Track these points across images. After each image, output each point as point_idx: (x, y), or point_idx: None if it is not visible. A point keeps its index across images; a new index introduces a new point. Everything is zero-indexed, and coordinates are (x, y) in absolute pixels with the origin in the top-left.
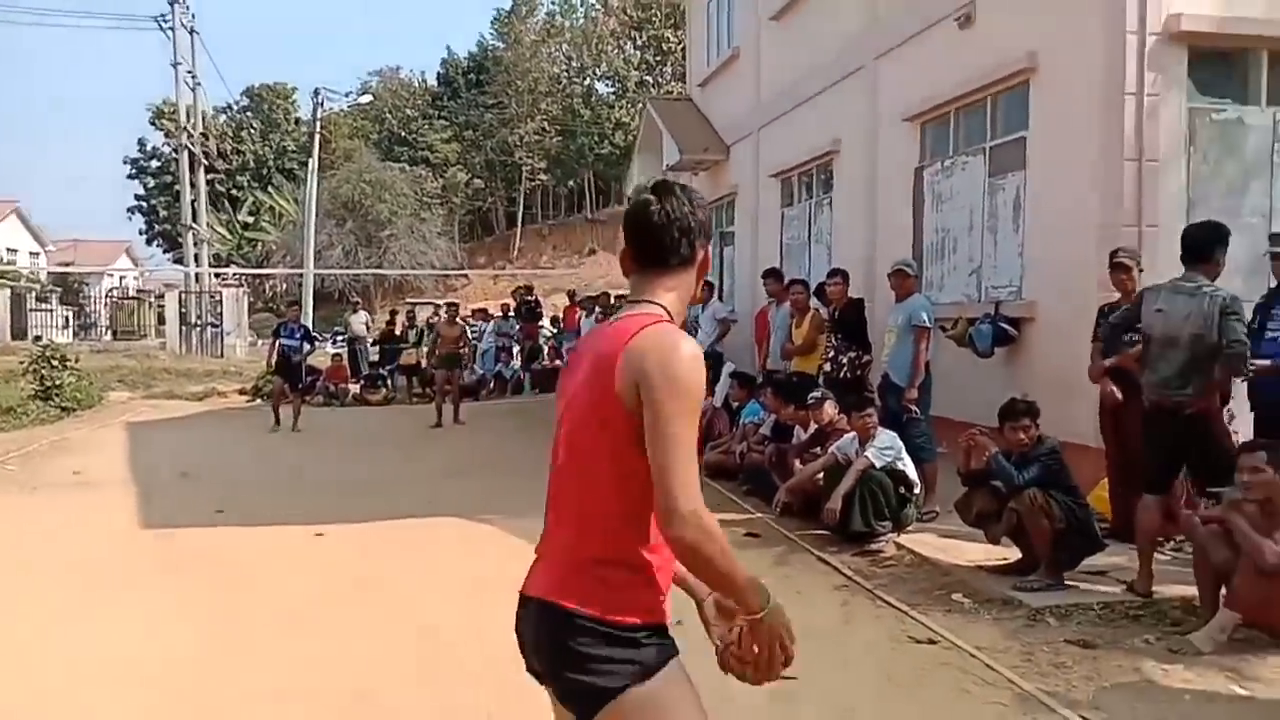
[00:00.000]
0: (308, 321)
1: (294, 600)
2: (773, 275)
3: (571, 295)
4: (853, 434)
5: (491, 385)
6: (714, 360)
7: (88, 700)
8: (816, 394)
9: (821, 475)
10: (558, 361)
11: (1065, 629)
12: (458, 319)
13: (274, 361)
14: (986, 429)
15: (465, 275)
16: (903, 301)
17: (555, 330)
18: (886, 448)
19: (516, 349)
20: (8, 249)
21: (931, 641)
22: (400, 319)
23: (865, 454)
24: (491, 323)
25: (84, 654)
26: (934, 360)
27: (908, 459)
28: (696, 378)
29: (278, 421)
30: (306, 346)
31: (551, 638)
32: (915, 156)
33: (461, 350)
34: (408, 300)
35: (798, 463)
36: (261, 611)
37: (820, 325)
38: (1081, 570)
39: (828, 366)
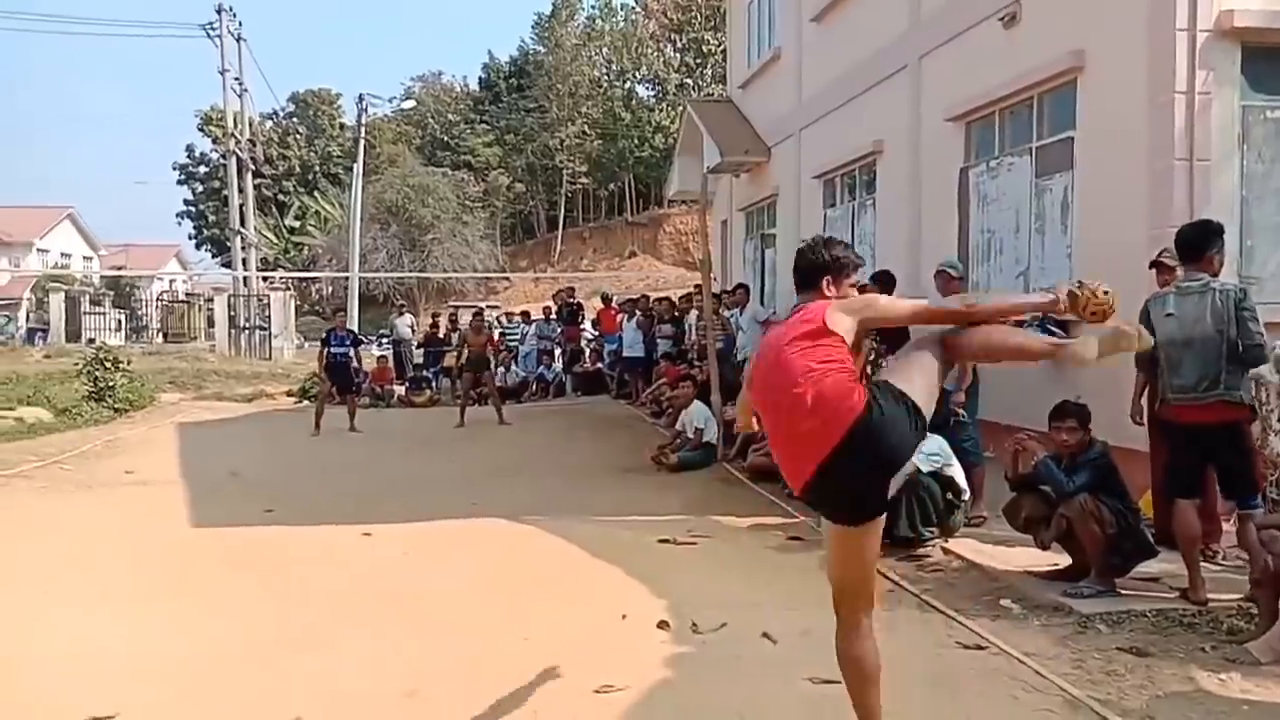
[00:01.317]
0: (354, 324)
1: (342, 599)
2: None
3: (605, 298)
4: None
5: (534, 387)
6: None
7: (139, 694)
8: None
9: None
10: (599, 364)
11: (1117, 636)
12: (484, 327)
13: (324, 367)
14: (1035, 433)
15: (507, 278)
16: None
17: (596, 333)
18: (934, 453)
19: (558, 351)
20: (62, 254)
21: (979, 647)
22: (443, 322)
23: (913, 458)
24: (533, 325)
25: (137, 649)
26: (981, 364)
27: (956, 464)
28: None
29: (318, 427)
30: (353, 352)
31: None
32: (960, 156)
33: (488, 354)
34: (451, 303)
35: None
36: (310, 610)
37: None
38: (1133, 577)
39: (870, 370)
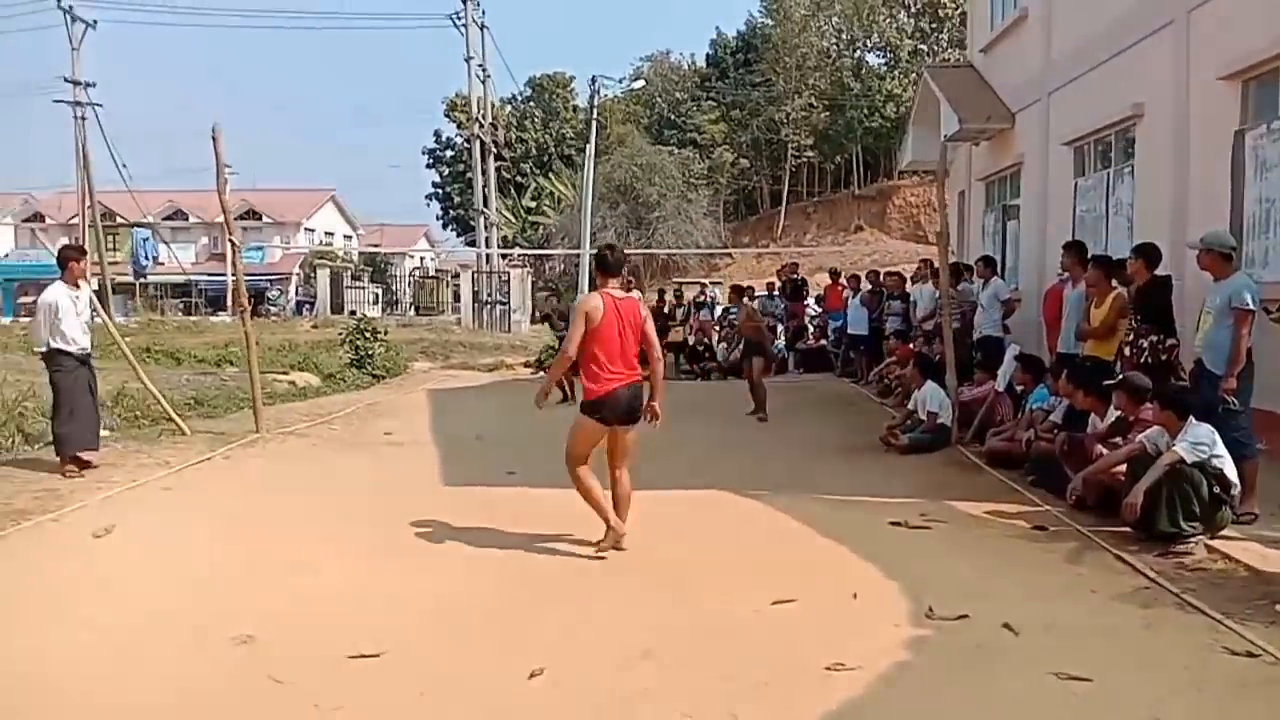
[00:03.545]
0: None
1: (579, 559)
2: (1073, 250)
3: (834, 273)
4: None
5: None
6: (995, 343)
7: (400, 636)
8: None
9: (1124, 467)
10: (823, 341)
11: None
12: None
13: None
14: None
15: (729, 254)
16: (1222, 281)
17: (820, 309)
18: (1200, 442)
19: (780, 328)
20: (326, 232)
21: (1251, 655)
22: (668, 297)
23: (1176, 447)
24: (756, 301)
25: (396, 595)
26: (1256, 346)
27: (1226, 455)
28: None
29: (567, 395)
30: None
31: (641, 395)
32: (1235, 118)
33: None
34: (674, 279)
35: (1099, 448)
36: (549, 566)
37: (1123, 308)
38: None
39: (1127, 351)
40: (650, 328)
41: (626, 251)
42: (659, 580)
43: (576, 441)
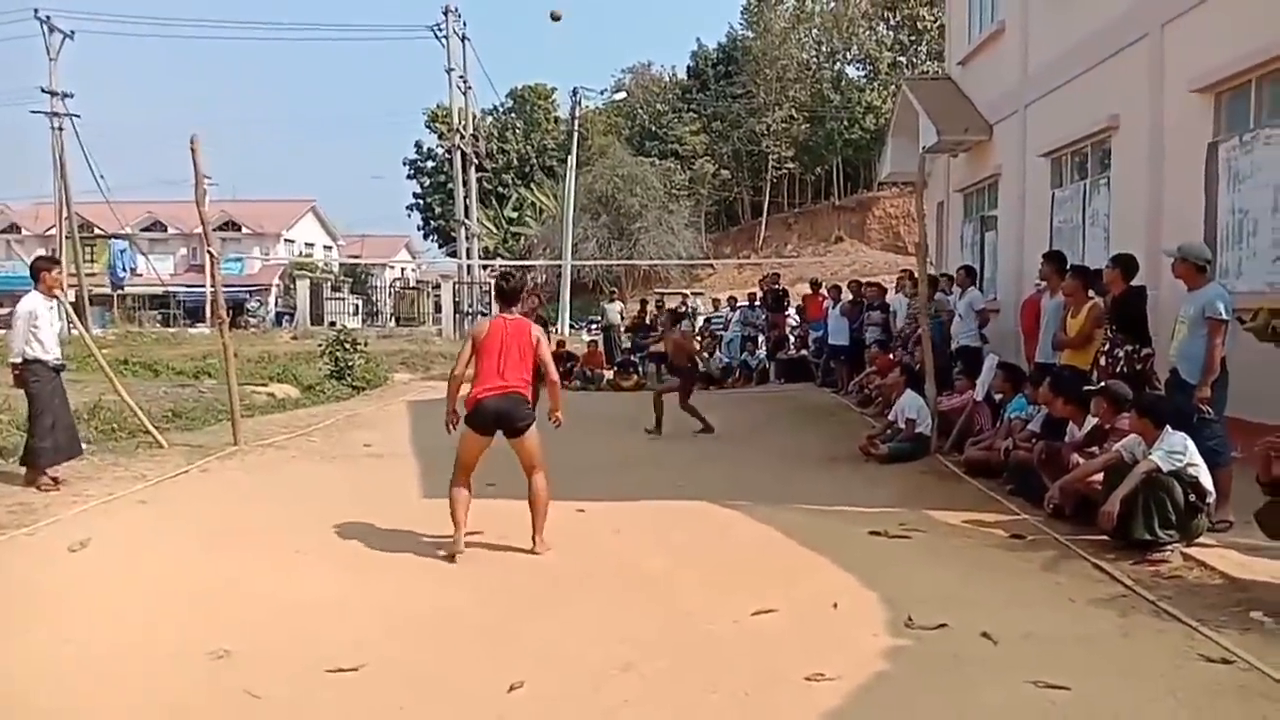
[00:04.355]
0: (565, 311)
1: (560, 571)
2: (1052, 260)
3: (814, 284)
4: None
5: (737, 374)
6: (973, 354)
7: (380, 650)
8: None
9: (1101, 475)
10: (804, 351)
11: None
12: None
13: None
14: None
15: (711, 265)
16: (1195, 291)
17: (800, 320)
18: (1175, 450)
19: (761, 338)
20: (306, 243)
21: (1226, 661)
22: (650, 308)
23: (1152, 455)
24: (737, 311)
25: (376, 608)
26: (1229, 355)
27: (1201, 464)
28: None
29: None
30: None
31: (516, 404)
32: (1208, 131)
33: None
34: (656, 290)
35: (1076, 457)
36: (528, 580)
37: (1099, 318)
38: None
39: (1103, 361)
40: (544, 350)
41: (607, 263)
42: (639, 591)
43: (460, 450)
